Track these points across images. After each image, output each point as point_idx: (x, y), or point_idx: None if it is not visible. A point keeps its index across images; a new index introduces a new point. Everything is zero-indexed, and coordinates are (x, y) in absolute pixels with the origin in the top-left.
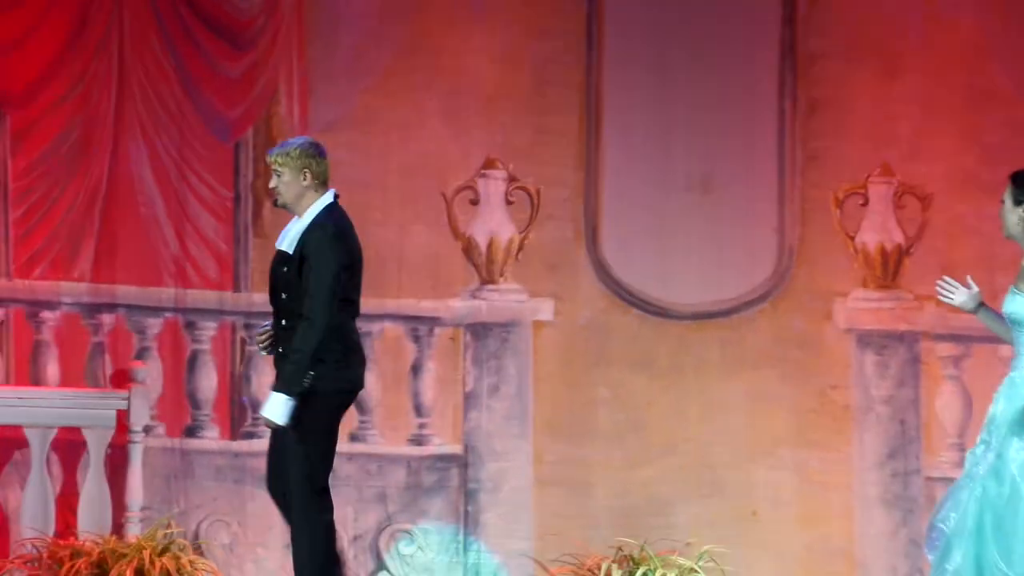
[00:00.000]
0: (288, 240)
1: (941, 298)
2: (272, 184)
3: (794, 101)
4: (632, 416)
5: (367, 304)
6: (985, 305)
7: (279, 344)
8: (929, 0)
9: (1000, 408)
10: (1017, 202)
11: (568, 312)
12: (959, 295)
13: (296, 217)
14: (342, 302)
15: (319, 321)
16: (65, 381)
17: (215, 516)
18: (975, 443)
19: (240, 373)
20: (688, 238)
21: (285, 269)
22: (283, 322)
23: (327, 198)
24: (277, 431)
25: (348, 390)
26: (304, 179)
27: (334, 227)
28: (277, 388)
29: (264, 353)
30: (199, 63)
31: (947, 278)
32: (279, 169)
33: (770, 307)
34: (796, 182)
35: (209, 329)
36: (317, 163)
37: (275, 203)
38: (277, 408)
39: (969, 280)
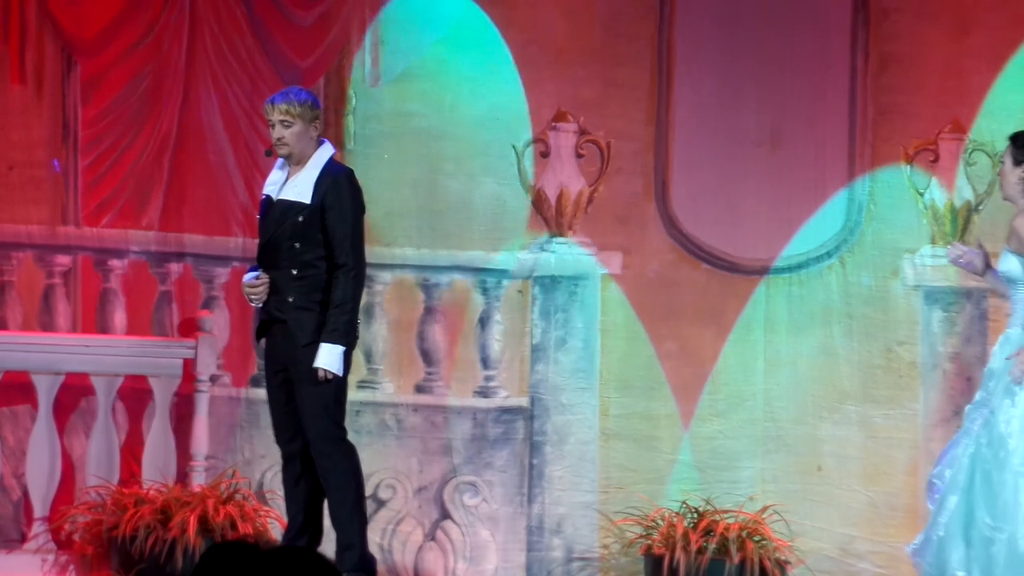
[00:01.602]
0: (296, 190)
1: (951, 261)
2: (278, 135)
3: (866, 56)
4: (699, 370)
5: (436, 256)
6: (991, 267)
7: (287, 294)
8: None
9: (997, 365)
10: (1017, 162)
11: (636, 266)
12: (967, 257)
13: (283, 166)
14: None
15: (360, 268)
16: (132, 329)
17: (280, 466)
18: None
19: None
20: (757, 193)
21: (300, 219)
22: (294, 271)
23: (329, 148)
24: (284, 386)
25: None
26: (314, 131)
27: (349, 175)
28: (331, 340)
29: (257, 303)
30: (271, 11)
31: (956, 243)
32: (290, 120)
33: (838, 263)
34: (867, 138)
35: None
36: (321, 115)
37: (268, 152)
38: (335, 359)
39: (979, 242)
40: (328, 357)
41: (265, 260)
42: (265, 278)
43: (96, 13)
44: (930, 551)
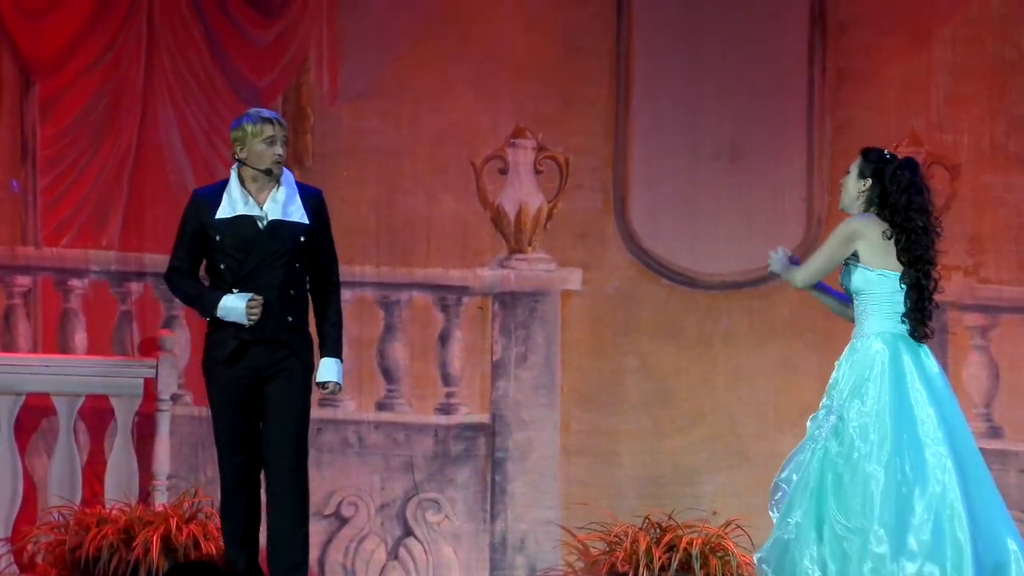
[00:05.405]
0: (287, 209)
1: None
2: (281, 151)
3: (823, 70)
4: (660, 386)
5: (396, 273)
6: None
7: (286, 313)
8: None
9: (842, 373)
10: (862, 175)
11: (596, 281)
12: (778, 255)
13: (231, 188)
14: None
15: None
16: (93, 349)
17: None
18: (819, 407)
19: None
20: (717, 207)
21: (303, 239)
22: (291, 292)
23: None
24: (250, 398)
25: None
26: None
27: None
28: (335, 354)
29: (252, 323)
30: (229, 31)
31: (781, 247)
32: (286, 137)
33: None
34: (825, 151)
35: None
36: None
37: (273, 168)
38: (341, 372)
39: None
40: (337, 371)
41: (251, 281)
42: (260, 299)
43: (54, 32)
44: (776, 553)
